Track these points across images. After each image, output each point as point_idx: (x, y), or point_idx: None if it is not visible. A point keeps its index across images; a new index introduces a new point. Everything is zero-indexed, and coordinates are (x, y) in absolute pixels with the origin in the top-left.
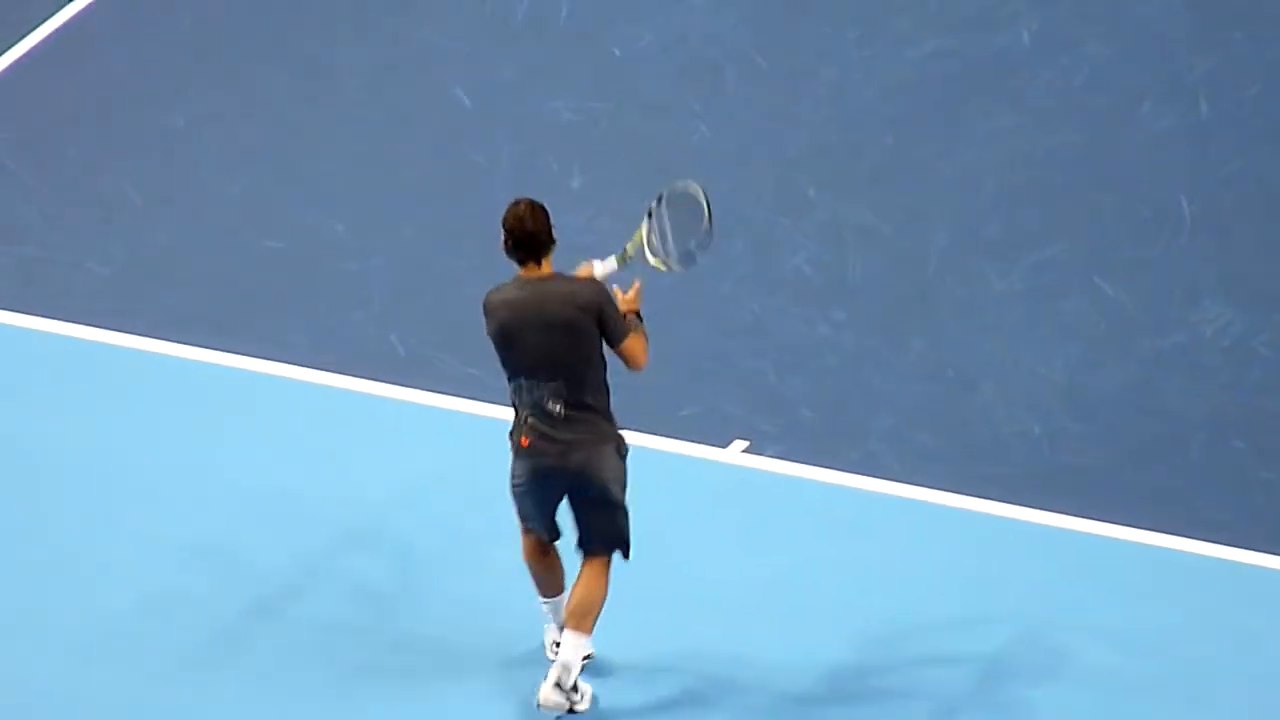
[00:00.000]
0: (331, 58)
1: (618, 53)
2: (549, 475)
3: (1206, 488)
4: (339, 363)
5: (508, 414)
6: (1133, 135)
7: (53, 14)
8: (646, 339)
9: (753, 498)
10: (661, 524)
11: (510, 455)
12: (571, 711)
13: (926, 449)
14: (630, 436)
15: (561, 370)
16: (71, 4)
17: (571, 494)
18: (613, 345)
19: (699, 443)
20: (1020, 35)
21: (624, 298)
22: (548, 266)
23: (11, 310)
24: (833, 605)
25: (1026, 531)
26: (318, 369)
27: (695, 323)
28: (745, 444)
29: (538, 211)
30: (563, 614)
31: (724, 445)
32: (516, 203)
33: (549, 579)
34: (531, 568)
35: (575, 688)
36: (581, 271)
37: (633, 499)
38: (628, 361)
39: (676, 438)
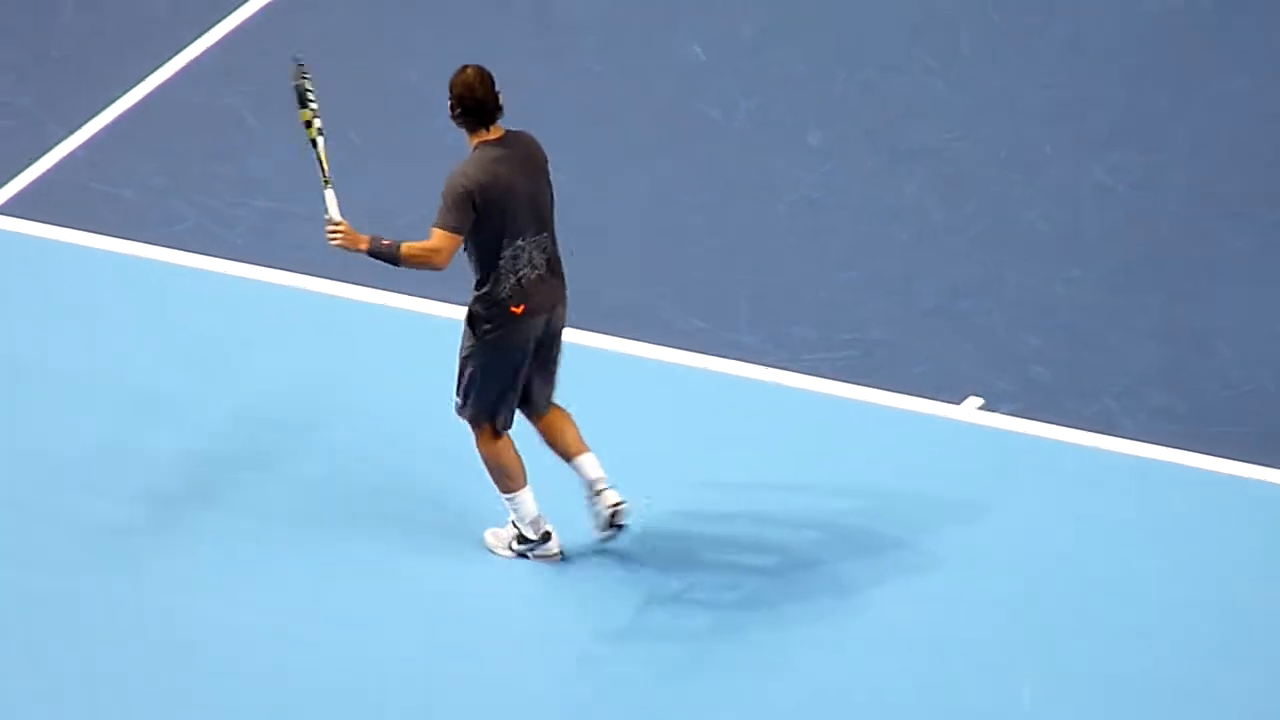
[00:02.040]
0: (566, 12)
1: (854, 8)
2: (544, 331)
3: None
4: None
5: (736, 368)
6: None
7: None
8: None
9: (986, 454)
10: (896, 480)
11: (495, 336)
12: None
13: (1161, 408)
14: (864, 393)
15: (547, 221)
16: None
17: (541, 350)
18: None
19: (933, 399)
20: None
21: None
22: (498, 130)
23: (252, 263)
24: (1061, 561)
25: (1261, 492)
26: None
27: (929, 280)
28: (980, 401)
29: (486, 75)
30: (534, 505)
31: (958, 402)
32: (464, 69)
33: (522, 470)
34: (508, 461)
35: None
36: (334, 216)
37: (867, 452)
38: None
39: (910, 394)
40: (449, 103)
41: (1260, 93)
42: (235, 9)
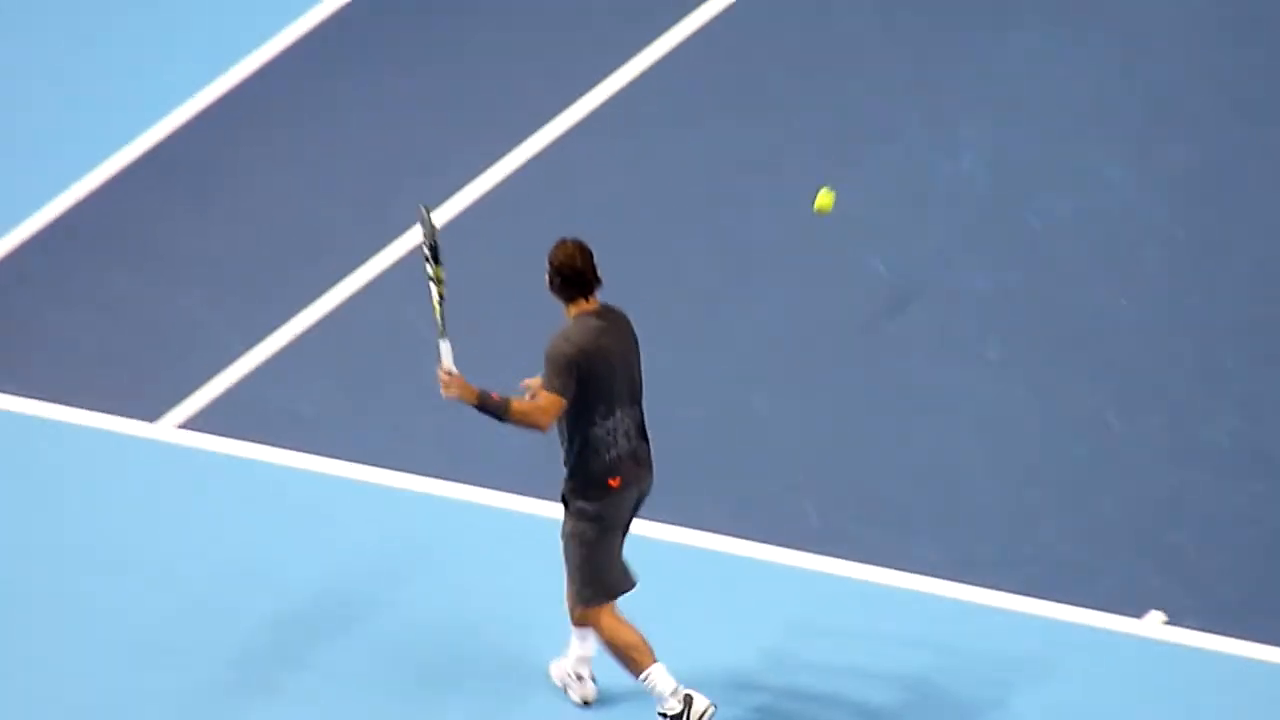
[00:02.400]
0: (753, 232)
1: (1035, 223)
2: (637, 502)
3: None
4: (755, 530)
5: (917, 583)
6: None
7: (472, 179)
8: None
9: (1169, 670)
10: (1080, 696)
11: (595, 510)
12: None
13: None
14: (1046, 608)
15: (639, 393)
16: (493, 169)
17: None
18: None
19: (1116, 614)
20: None
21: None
22: (595, 301)
23: (431, 476)
24: None
25: None
26: (735, 536)
27: (1111, 495)
28: (1163, 616)
29: (586, 250)
30: (669, 680)
31: (1140, 617)
32: (563, 242)
33: (641, 636)
34: (630, 637)
35: (580, 678)
36: (448, 367)
37: (1049, 668)
38: None
39: (1093, 608)
40: (547, 274)
41: None
42: (411, 227)
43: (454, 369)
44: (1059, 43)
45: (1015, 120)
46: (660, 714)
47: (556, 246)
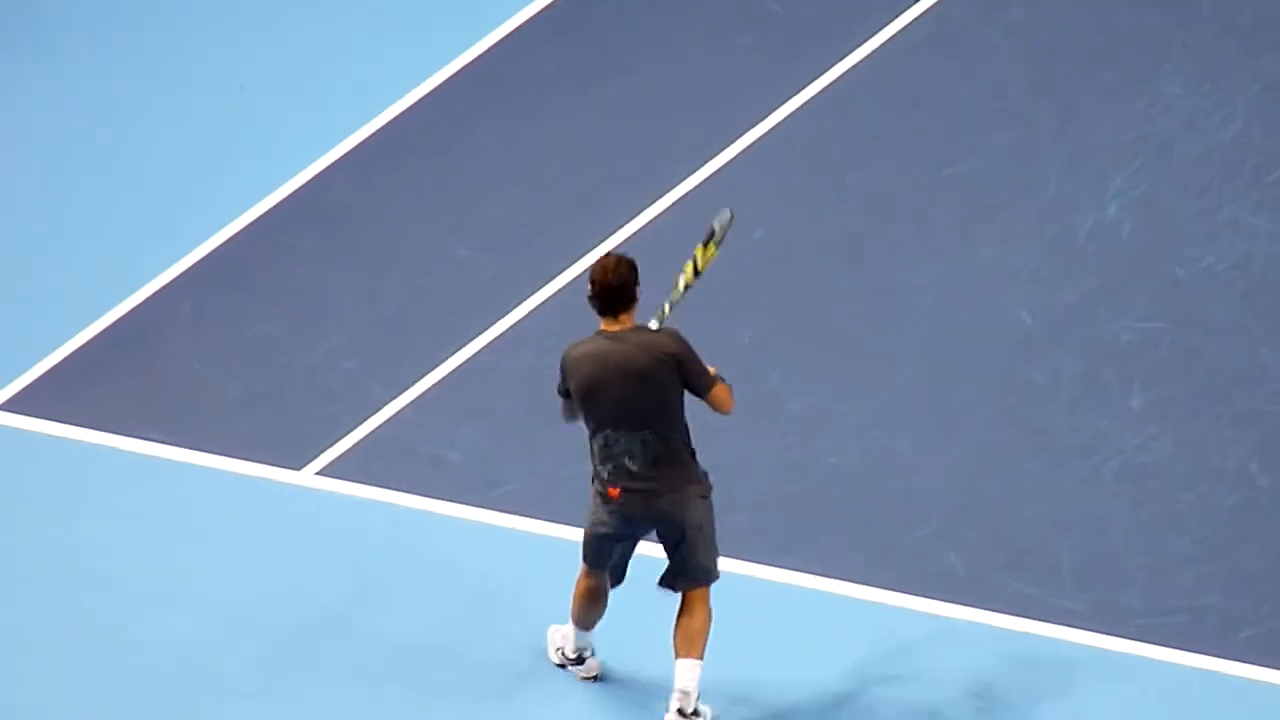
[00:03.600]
0: (899, 278)
1: (1180, 273)
2: (636, 523)
3: None
4: (898, 581)
5: (1062, 633)
6: None
7: (622, 225)
8: (730, 388)
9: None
10: None
11: (592, 501)
12: None
13: None
14: (1193, 659)
15: (648, 419)
16: (643, 213)
17: (660, 536)
18: (699, 393)
19: (1257, 664)
20: None
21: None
22: (628, 320)
23: (572, 525)
24: None
25: None
26: (877, 587)
27: (1256, 545)
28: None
29: (623, 265)
30: (584, 640)
31: None
32: (606, 255)
33: (590, 617)
34: (580, 601)
35: (696, 712)
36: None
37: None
38: (716, 407)
39: (1239, 659)
40: (588, 289)
41: None
42: (556, 275)
43: None
44: (1203, 92)
45: (1161, 169)
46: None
47: (599, 259)
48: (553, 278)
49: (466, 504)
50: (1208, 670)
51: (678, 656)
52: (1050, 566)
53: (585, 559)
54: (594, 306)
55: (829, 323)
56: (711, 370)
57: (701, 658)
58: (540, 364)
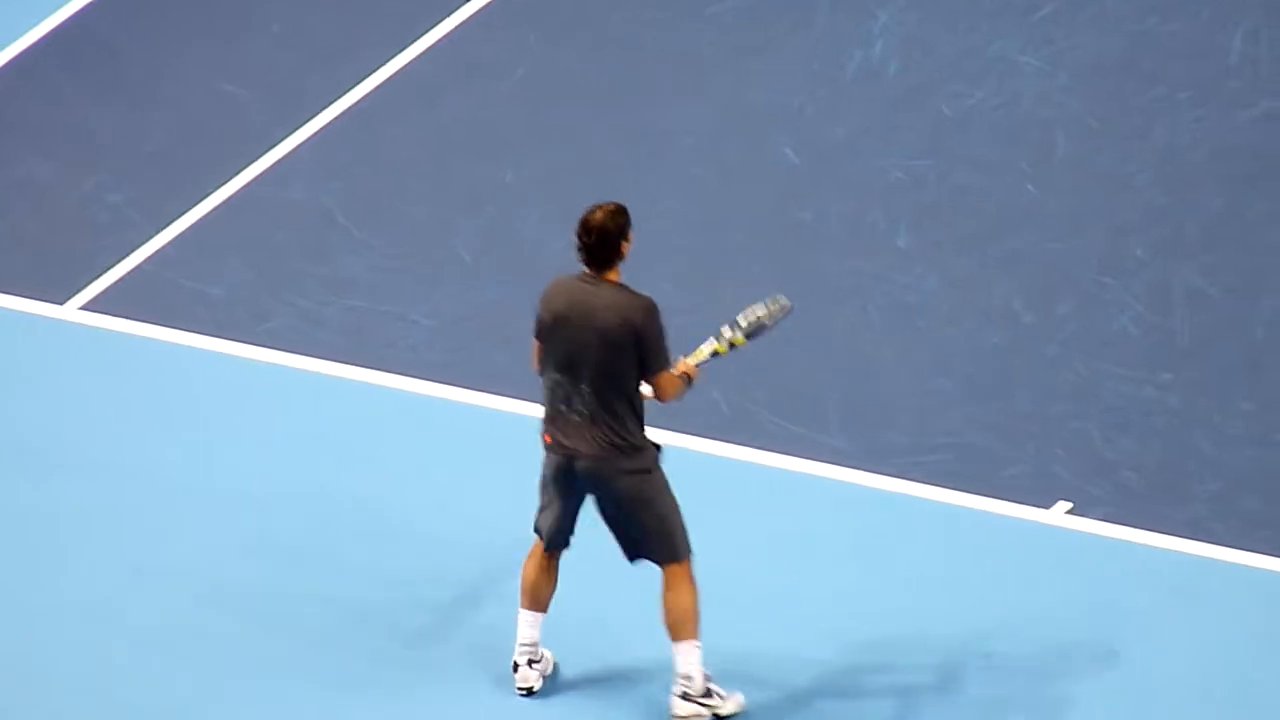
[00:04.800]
0: (663, 119)
1: (947, 111)
2: (567, 475)
3: None
4: (665, 419)
5: (828, 471)
6: None
7: (384, 63)
8: (685, 387)
9: (1076, 559)
10: (983, 584)
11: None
12: (718, 717)
13: (1254, 514)
14: (954, 496)
15: (595, 377)
16: (404, 53)
17: (600, 505)
18: (646, 370)
19: (1022, 503)
20: None
21: (685, 361)
22: (614, 276)
23: (339, 361)
24: (1147, 667)
25: None
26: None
27: (1021, 385)
28: (1069, 505)
29: (608, 222)
30: (532, 633)
31: (1048, 506)
32: (594, 208)
33: (536, 593)
34: (526, 574)
35: (710, 694)
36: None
37: (956, 557)
38: (656, 390)
39: (1000, 498)
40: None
41: None
42: (327, 106)
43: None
44: None
45: (927, 6)
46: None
47: (587, 211)
48: (318, 113)
49: (230, 339)
50: (973, 508)
51: (671, 639)
52: (817, 406)
53: (537, 531)
54: (580, 259)
55: (592, 165)
56: (683, 364)
57: (695, 638)
58: (306, 199)
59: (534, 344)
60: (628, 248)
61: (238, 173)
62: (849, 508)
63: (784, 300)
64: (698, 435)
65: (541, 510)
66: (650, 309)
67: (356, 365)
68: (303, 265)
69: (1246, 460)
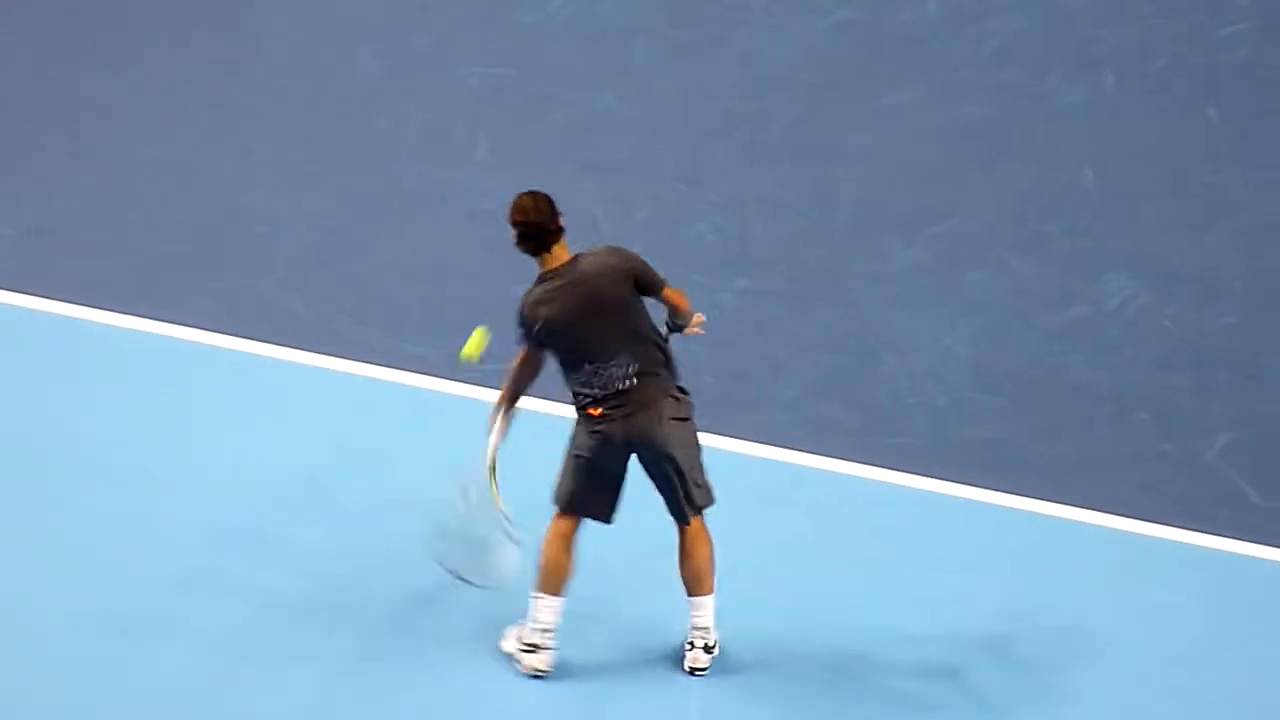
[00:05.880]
0: (251, 23)
1: (526, 19)
2: (622, 444)
3: (1110, 460)
4: (244, 327)
5: (412, 379)
6: (1039, 108)
7: None
8: (680, 290)
9: None
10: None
11: (576, 428)
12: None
13: (829, 419)
14: (528, 403)
15: (627, 339)
16: None
17: (645, 464)
18: (655, 294)
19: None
20: (927, 6)
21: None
22: (563, 253)
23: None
24: (729, 575)
25: (928, 501)
26: (223, 333)
27: None
28: None
29: (540, 200)
30: (556, 619)
31: None
32: (519, 196)
33: (560, 574)
34: (549, 554)
35: (717, 644)
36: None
37: (528, 465)
38: (674, 304)
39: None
40: (512, 234)
41: (927, 110)
42: None
43: None
44: None
45: None
46: (513, 639)
47: (513, 202)
48: None
49: None
50: (541, 413)
51: (690, 594)
52: (398, 315)
53: (563, 504)
54: (525, 249)
55: (187, 70)
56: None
57: (712, 590)
58: None
59: (524, 353)
60: (563, 219)
61: None
62: (429, 411)
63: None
64: (275, 344)
65: (577, 486)
66: (622, 249)
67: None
68: None
69: (822, 366)
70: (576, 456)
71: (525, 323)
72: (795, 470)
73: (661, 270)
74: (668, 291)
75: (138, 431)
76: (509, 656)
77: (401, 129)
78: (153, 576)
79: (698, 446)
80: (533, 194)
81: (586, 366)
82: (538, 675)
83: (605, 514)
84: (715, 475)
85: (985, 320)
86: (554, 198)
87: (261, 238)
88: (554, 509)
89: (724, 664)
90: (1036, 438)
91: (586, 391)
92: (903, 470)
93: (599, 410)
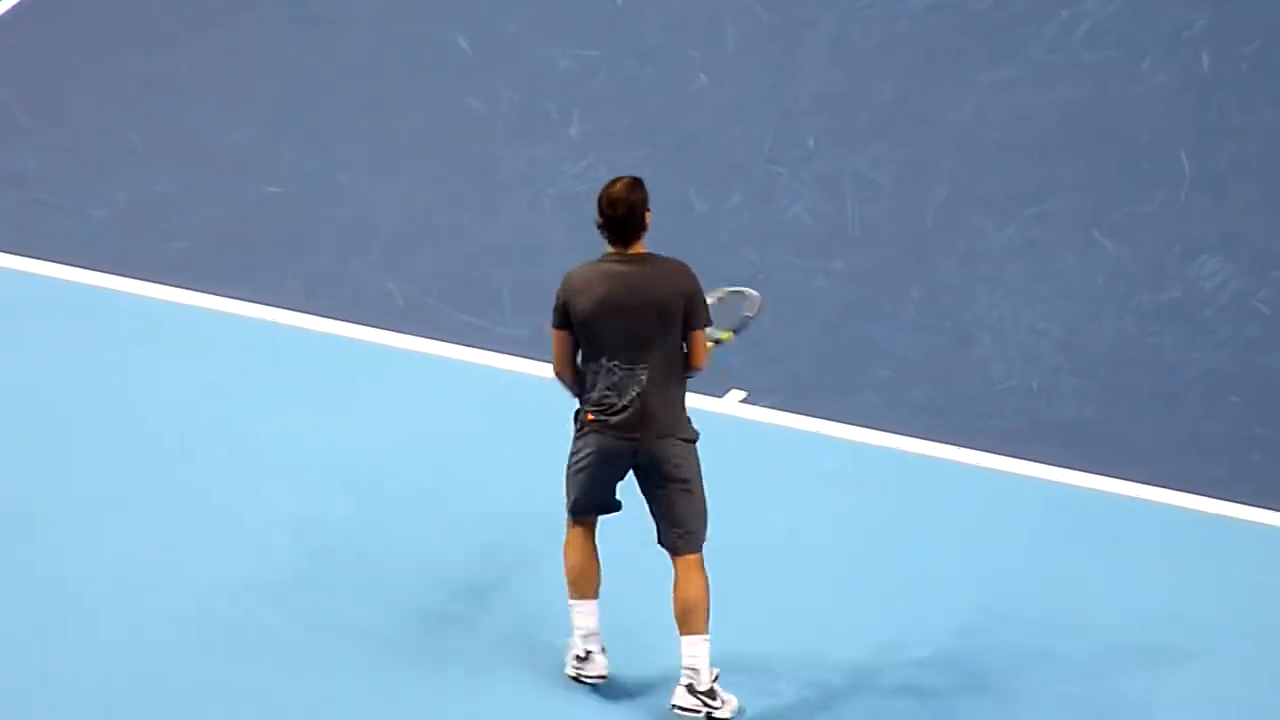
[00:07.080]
0: (335, 6)
1: (618, 1)
2: (617, 455)
3: (1202, 443)
4: (336, 309)
5: (505, 362)
6: (1133, 90)
7: None
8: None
9: (749, 447)
10: None
11: (575, 434)
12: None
13: (922, 401)
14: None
15: (652, 352)
16: None
17: (642, 479)
18: (692, 326)
19: (696, 393)
20: None
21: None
22: (640, 248)
23: (12, 254)
24: (826, 558)
25: (1021, 485)
26: (314, 314)
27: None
28: (743, 394)
29: (633, 193)
30: (592, 621)
31: (721, 395)
32: (613, 182)
33: (586, 578)
34: (570, 561)
35: (713, 694)
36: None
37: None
38: (697, 349)
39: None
40: (597, 218)
41: (1020, 91)
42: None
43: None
44: None
45: None
46: (570, 659)
47: (606, 186)
48: None
49: None
50: None
51: (680, 633)
52: (491, 296)
53: (574, 510)
54: (603, 234)
55: (264, 51)
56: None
57: (705, 631)
58: None
59: (557, 336)
60: (650, 217)
61: None
62: (524, 392)
63: (754, 293)
64: (372, 326)
65: (580, 492)
66: (691, 271)
67: (30, 257)
68: None
69: (915, 348)
70: (576, 467)
71: (562, 294)
72: (887, 452)
73: (756, 254)
74: (699, 333)
75: (233, 414)
76: (576, 678)
77: (494, 110)
78: (241, 568)
79: (700, 483)
80: (628, 185)
81: (602, 361)
82: (598, 682)
83: (612, 503)
84: (807, 459)
85: (1078, 302)
86: (647, 181)
87: (354, 219)
88: (568, 519)
89: (835, 657)
90: (1129, 420)
91: (591, 392)
92: (995, 453)
93: (591, 416)
